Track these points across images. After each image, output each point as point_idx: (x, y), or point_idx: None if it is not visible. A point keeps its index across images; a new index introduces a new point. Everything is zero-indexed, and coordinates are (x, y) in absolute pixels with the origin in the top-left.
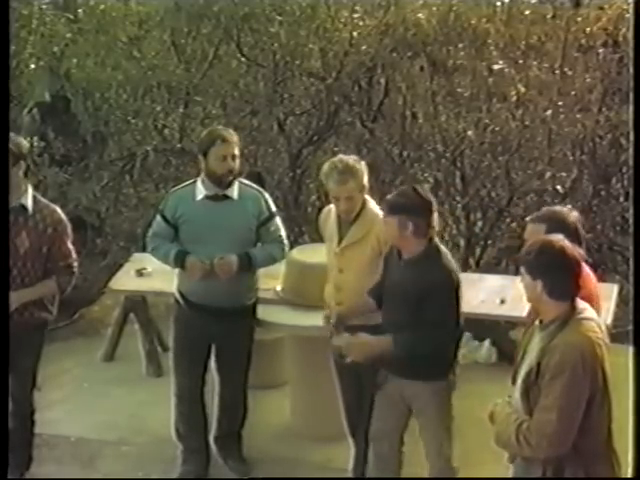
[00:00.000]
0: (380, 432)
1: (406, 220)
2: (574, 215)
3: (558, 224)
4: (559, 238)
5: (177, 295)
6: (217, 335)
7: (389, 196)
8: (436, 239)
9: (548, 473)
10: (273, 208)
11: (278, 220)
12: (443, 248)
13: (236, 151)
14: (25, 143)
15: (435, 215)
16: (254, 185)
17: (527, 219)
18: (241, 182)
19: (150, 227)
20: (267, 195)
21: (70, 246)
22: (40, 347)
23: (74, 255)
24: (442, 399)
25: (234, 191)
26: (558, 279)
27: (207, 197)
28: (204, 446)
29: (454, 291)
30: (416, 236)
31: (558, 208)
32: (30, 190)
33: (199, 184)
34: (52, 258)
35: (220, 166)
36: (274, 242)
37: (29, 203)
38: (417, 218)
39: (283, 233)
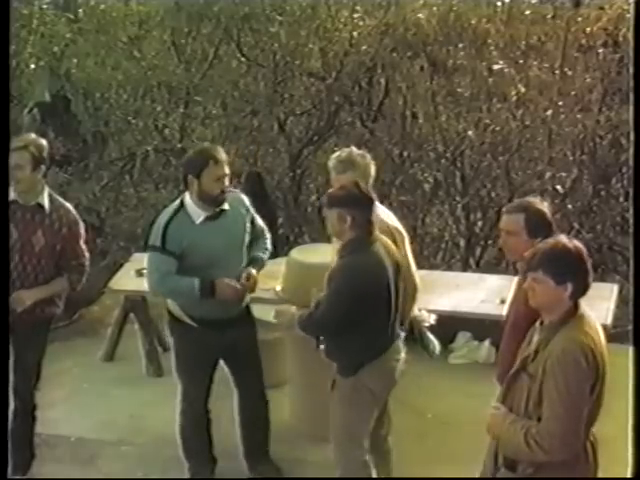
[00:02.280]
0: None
1: (345, 214)
2: (545, 204)
3: (535, 212)
4: (568, 239)
5: (184, 317)
6: (229, 345)
7: (330, 190)
8: (375, 235)
9: (528, 470)
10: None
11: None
12: (376, 247)
13: (227, 170)
14: (46, 146)
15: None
16: (235, 190)
17: (502, 210)
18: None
19: (153, 269)
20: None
21: (83, 245)
22: (45, 341)
23: (86, 254)
24: (343, 396)
25: (226, 203)
26: (585, 280)
27: (207, 218)
28: (211, 457)
29: (344, 283)
30: (352, 229)
31: (530, 198)
32: (47, 189)
33: (192, 206)
34: (65, 256)
35: (214, 187)
36: (264, 236)
37: (46, 202)
38: (355, 211)
39: (263, 224)
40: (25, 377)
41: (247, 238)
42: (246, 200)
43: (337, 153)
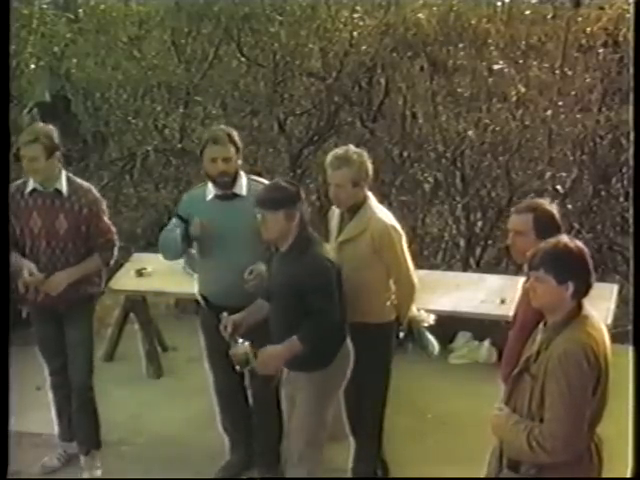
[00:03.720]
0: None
1: (294, 212)
2: (554, 206)
3: (544, 213)
4: (569, 239)
5: (199, 298)
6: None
7: (262, 193)
8: (309, 229)
9: (531, 471)
10: None
11: None
12: (316, 237)
13: (229, 153)
14: (54, 131)
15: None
16: (264, 180)
17: (511, 210)
18: (252, 179)
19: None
20: None
21: (107, 221)
22: (91, 322)
23: (113, 229)
24: (318, 389)
25: (242, 188)
26: (586, 280)
27: (216, 196)
28: (248, 438)
29: (327, 279)
30: (299, 226)
31: (539, 199)
32: (64, 173)
33: (209, 184)
34: (92, 236)
35: (211, 168)
36: None
37: (64, 187)
38: (302, 207)
39: None
40: (77, 358)
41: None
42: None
43: (334, 150)
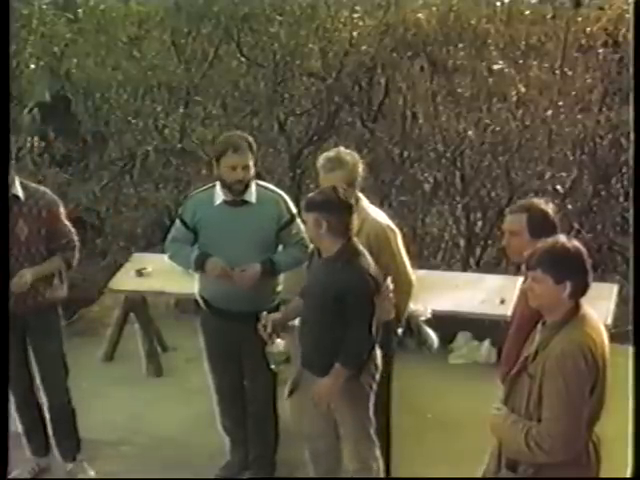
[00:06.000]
0: (313, 432)
1: (321, 218)
2: (550, 206)
3: (538, 212)
4: (566, 239)
5: (199, 300)
6: (241, 339)
7: (310, 194)
8: (355, 240)
9: (529, 471)
10: (294, 210)
11: (299, 222)
12: (362, 249)
13: (249, 161)
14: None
15: (354, 216)
16: (274, 188)
17: (506, 210)
18: (260, 185)
19: (169, 232)
20: (287, 197)
21: (66, 222)
22: (59, 328)
23: (72, 230)
24: (355, 398)
25: (252, 195)
26: (584, 279)
27: (225, 202)
28: (248, 438)
29: (369, 293)
30: (332, 235)
31: (535, 199)
32: (17, 179)
33: (217, 188)
34: (52, 238)
35: (230, 176)
36: (296, 245)
37: (20, 192)
38: (331, 217)
39: (305, 235)
40: (51, 369)
41: (270, 239)
42: (290, 203)
43: (326, 152)
